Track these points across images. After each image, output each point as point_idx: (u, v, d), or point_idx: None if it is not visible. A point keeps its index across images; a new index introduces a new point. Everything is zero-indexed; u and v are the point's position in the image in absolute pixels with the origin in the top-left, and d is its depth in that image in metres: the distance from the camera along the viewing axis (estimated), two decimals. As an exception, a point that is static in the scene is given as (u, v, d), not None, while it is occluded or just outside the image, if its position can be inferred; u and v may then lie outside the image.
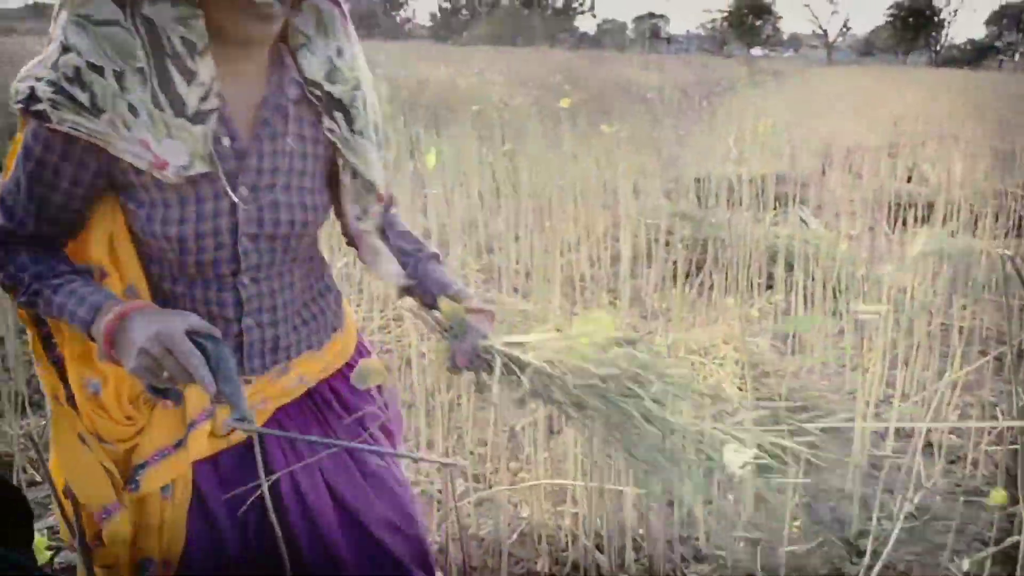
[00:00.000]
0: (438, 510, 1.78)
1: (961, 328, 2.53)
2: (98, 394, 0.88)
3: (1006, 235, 4.05)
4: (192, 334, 0.78)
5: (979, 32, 54.32)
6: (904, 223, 4.21)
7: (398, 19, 44.27)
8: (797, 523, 1.72)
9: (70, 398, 0.90)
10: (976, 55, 49.26)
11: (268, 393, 0.98)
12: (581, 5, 45.19)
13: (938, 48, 51.51)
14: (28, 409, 2.14)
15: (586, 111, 7.17)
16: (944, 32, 51.86)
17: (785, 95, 12.26)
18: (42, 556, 0.77)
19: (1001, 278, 2.82)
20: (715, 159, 5.52)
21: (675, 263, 3.60)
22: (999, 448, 2.06)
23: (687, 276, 3.54)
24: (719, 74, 15.88)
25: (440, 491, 1.80)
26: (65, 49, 0.78)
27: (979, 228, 3.89)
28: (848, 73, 26.59)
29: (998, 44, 52.01)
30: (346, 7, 0.96)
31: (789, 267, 3.36)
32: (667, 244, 3.65)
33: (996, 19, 52.22)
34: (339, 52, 0.94)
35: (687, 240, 3.71)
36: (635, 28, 58.98)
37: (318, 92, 0.93)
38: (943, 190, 4.79)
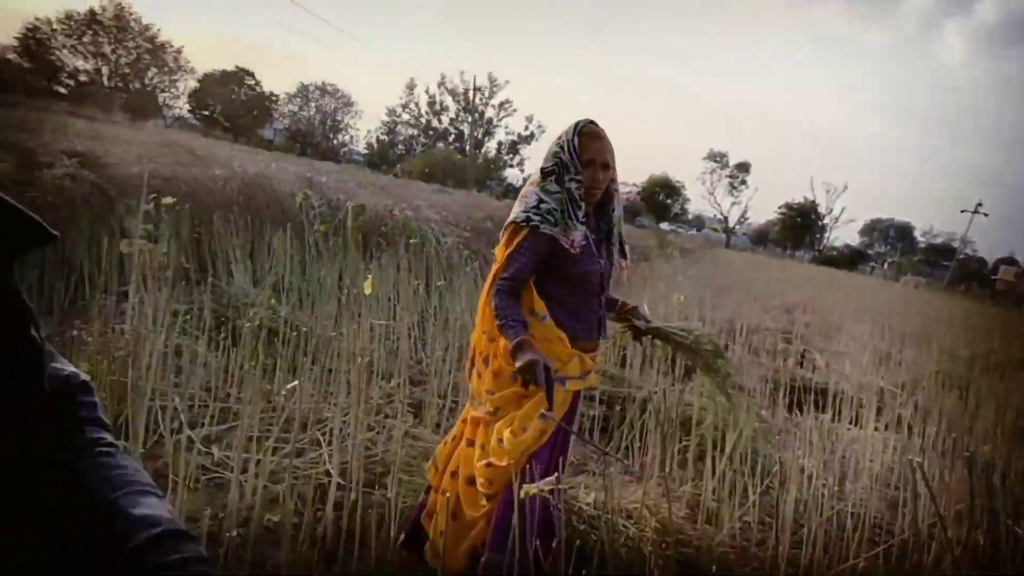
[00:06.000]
0: None
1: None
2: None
3: (886, 428, 4.42)
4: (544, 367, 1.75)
5: (853, 239, 61.46)
6: (800, 406, 4.53)
7: (335, 141, 45.63)
8: None
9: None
10: (852, 258, 55.51)
11: (592, 365, 2.03)
12: (512, 158, 48.32)
13: (820, 248, 57.79)
14: None
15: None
16: (826, 235, 58.49)
17: (692, 270, 13.28)
18: None
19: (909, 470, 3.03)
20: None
21: (592, 418, 3.71)
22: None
23: (603, 432, 3.64)
24: (633, 242, 17.07)
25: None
26: (541, 201, 1.89)
27: (863, 419, 4.24)
28: (744, 258, 29.23)
29: (870, 252, 58.91)
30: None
31: (700, 436, 3.52)
32: (588, 398, 3.77)
33: (868, 231, 59.57)
34: None
35: (607, 396, 3.84)
36: (558, 187, 62.81)
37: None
38: (832, 379, 5.23)
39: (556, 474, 1.30)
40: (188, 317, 4.01)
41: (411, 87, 47.38)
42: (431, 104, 47.07)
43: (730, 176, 56.83)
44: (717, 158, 56.90)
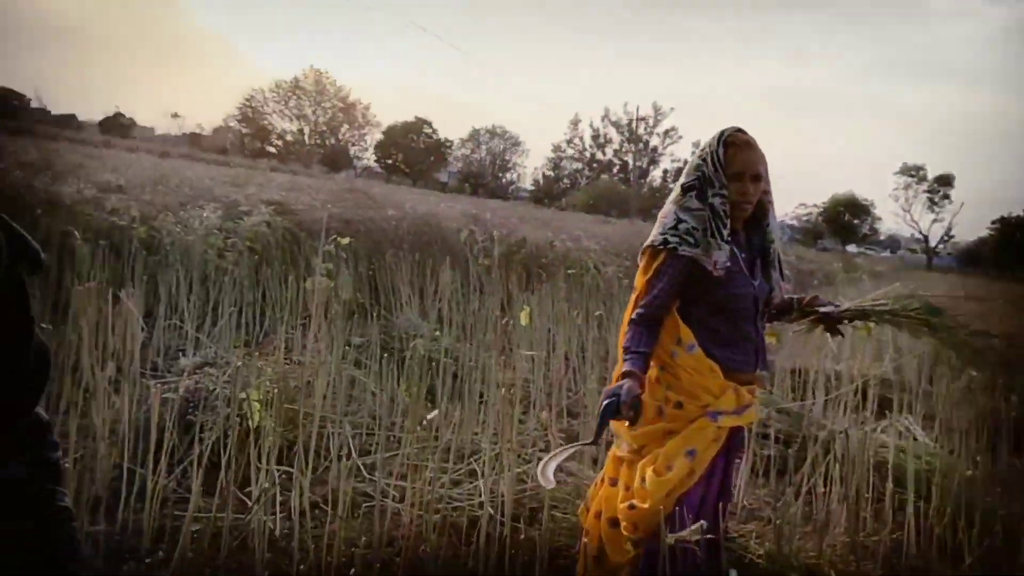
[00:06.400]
0: None
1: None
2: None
3: None
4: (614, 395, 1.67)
5: (1095, 256, 52.00)
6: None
7: (503, 180, 47.36)
8: None
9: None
10: (1094, 279, 46.96)
11: (750, 399, 1.80)
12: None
13: (1049, 268, 49.73)
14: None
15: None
16: (1057, 252, 50.24)
17: (884, 296, 11.97)
18: None
19: None
20: (810, 352, 5.31)
21: (768, 457, 3.37)
22: None
23: (781, 474, 3.29)
24: (814, 266, 15.80)
25: None
26: (679, 220, 1.73)
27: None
28: (948, 281, 25.87)
29: (1119, 272, 49.65)
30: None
31: (896, 482, 3.06)
32: (763, 437, 3.44)
33: (1115, 245, 50.25)
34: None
35: (783, 435, 3.49)
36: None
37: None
38: (1072, 421, 4.36)
39: (702, 522, 1.14)
40: (361, 348, 4.25)
41: (575, 122, 48.13)
42: (595, 137, 47.44)
43: (929, 191, 51.00)
44: (912, 172, 51.38)
